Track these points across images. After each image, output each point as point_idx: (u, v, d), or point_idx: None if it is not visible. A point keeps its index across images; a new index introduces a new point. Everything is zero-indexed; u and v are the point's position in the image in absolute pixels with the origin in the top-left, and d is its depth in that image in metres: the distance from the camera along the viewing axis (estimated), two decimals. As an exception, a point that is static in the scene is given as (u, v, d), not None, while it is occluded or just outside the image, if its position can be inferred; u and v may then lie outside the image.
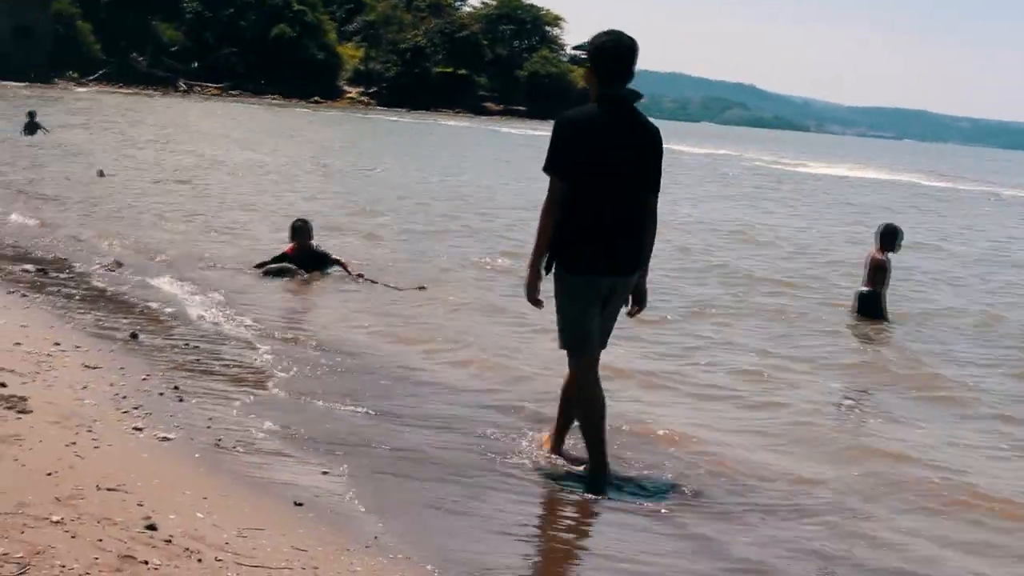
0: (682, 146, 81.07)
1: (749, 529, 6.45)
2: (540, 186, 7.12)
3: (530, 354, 10.46)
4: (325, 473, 6.66)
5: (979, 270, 20.47)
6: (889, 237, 13.53)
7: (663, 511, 6.62)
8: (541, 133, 79.55)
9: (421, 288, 13.66)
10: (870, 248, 13.93)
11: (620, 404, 8.39)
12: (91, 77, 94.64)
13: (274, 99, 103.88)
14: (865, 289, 13.59)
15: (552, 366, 8.97)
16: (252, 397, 8.23)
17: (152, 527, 5.12)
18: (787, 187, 45.45)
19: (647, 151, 6.96)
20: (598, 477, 6.98)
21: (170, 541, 5.00)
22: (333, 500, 6.20)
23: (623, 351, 10.00)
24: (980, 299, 16.60)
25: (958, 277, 19.19)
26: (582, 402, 7.05)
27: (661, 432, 8.17)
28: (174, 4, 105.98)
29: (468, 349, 10.66)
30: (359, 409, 8.16)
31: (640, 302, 7.21)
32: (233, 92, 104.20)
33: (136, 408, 7.26)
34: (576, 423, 7.19)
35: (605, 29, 7.07)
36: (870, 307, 13.50)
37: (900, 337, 12.97)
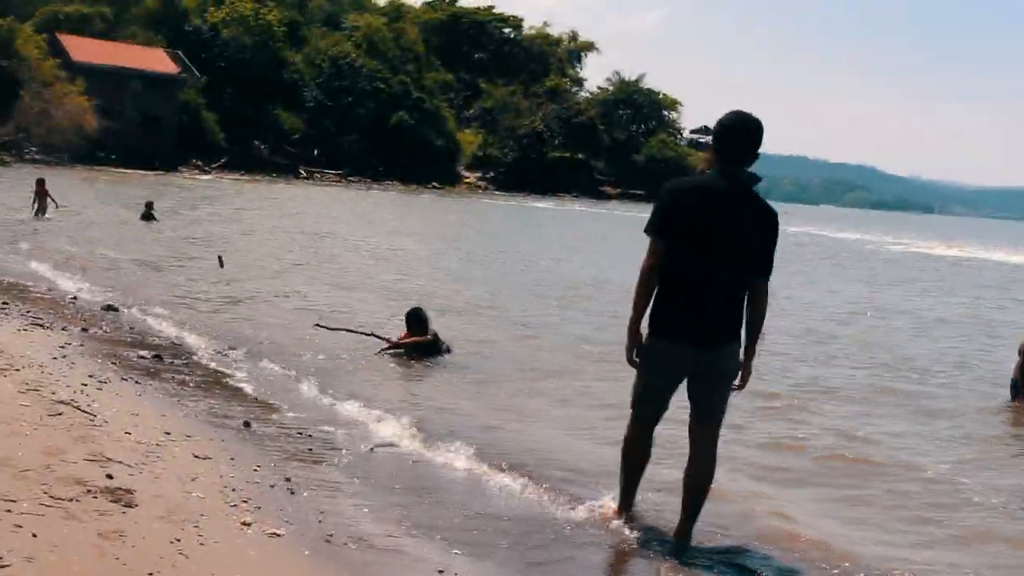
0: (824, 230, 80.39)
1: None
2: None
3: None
4: (441, 572, 6.31)
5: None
6: None
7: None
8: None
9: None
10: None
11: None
12: (214, 165, 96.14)
13: (393, 185, 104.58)
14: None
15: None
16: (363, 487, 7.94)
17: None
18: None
19: (764, 231, 6.95)
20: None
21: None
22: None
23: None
24: None
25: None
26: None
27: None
28: (295, 93, 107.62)
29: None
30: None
31: (743, 380, 7.17)
32: (352, 178, 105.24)
33: (246, 501, 6.97)
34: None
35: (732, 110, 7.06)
36: None
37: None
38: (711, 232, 6.80)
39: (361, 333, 14.43)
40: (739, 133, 6.93)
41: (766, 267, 6.96)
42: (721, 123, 6.98)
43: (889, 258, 52.90)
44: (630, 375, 7.32)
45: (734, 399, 7.29)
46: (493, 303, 20.62)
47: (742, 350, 7.08)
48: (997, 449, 11.35)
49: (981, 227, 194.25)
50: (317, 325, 14.79)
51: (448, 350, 14.06)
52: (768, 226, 6.94)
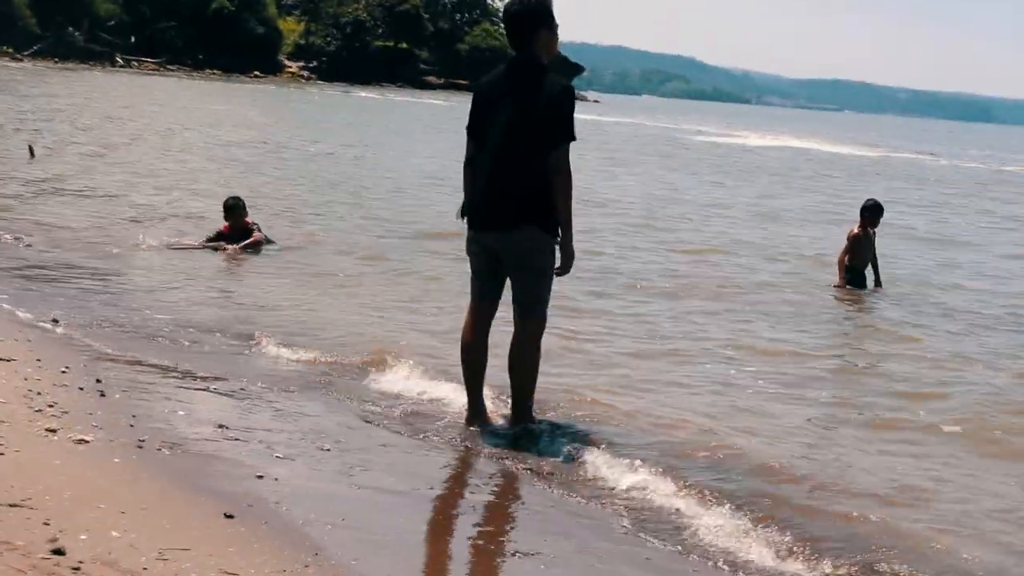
0: (621, 117, 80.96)
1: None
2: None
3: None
4: (260, 477, 6.03)
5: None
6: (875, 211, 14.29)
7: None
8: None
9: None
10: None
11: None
12: (26, 52, 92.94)
13: (213, 74, 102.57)
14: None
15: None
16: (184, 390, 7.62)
17: (59, 551, 4.43)
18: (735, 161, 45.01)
19: (537, 107, 6.99)
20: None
21: (79, 569, 4.33)
22: (267, 510, 5.56)
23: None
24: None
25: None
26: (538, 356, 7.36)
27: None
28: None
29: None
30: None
31: (562, 264, 7.24)
32: (171, 67, 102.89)
33: (51, 406, 6.55)
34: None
35: None
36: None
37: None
38: (481, 121, 7.18)
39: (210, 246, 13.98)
40: (506, 21, 7.27)
41: (550, 139, 6.94)
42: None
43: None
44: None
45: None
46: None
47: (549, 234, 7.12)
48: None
49: (777, 115, 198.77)
50: (171, 247, 14.01)
51: (269, 241, 13.94)
52: (537, 96, 6.97)
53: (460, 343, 7.43)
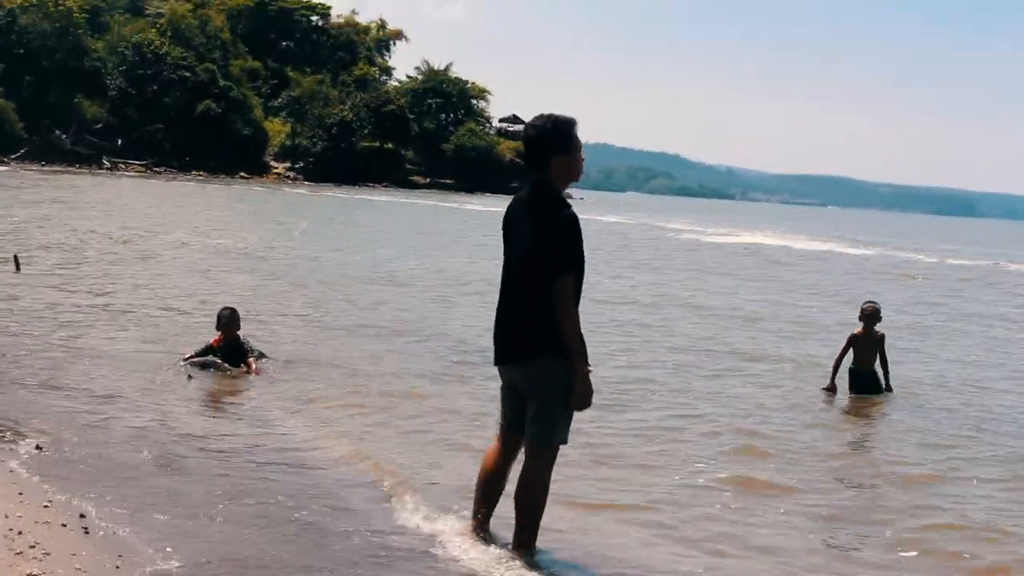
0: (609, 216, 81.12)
1: None
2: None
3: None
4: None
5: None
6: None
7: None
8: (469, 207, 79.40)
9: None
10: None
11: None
12: (13, 156, 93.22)
13: (199, 175, 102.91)
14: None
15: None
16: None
17: None
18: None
19: (541, 231, 6.85)
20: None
21: None
22: None
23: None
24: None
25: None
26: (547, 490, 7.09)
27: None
28: (97, 81, 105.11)
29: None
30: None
31: (576, 398, 6.92)
32: (157, 169, 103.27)
33: (32, 547, 6.30)
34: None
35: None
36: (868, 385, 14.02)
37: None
38: (505, 245, 7.12)
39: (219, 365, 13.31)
40: (524, 143, 7.12)
41: (552, 268, 6.74)
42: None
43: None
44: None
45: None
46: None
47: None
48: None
49: (760, 211, 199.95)
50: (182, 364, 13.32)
51: (261, 355, 13.55)
52: (545, 224, 6.81)
53: (480, 468, 7.35)
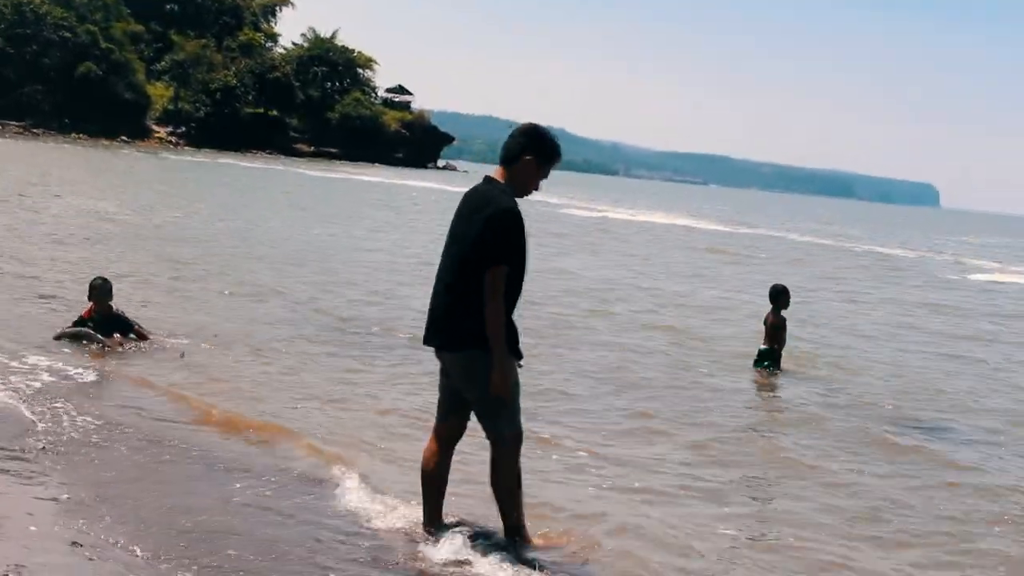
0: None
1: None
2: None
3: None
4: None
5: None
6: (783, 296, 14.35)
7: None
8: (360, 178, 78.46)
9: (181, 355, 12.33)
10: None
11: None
12: None
13: (80, 138, 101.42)
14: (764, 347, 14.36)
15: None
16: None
17: None
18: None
19: (476, 226, 6.78)
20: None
21: None
22: None
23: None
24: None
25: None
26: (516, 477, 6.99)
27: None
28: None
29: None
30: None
31: (493, 385, 6.76)
32: (36, 131, 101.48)
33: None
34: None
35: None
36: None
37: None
38: (450, 230, 6.98)
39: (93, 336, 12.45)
40: (509, 136, 7.07)
41: (486, 259, 6.65)
42: None
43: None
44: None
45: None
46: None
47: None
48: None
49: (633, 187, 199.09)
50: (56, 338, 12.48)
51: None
52: (486, 214, 6.73)
53: (420, 466, 7.14)
